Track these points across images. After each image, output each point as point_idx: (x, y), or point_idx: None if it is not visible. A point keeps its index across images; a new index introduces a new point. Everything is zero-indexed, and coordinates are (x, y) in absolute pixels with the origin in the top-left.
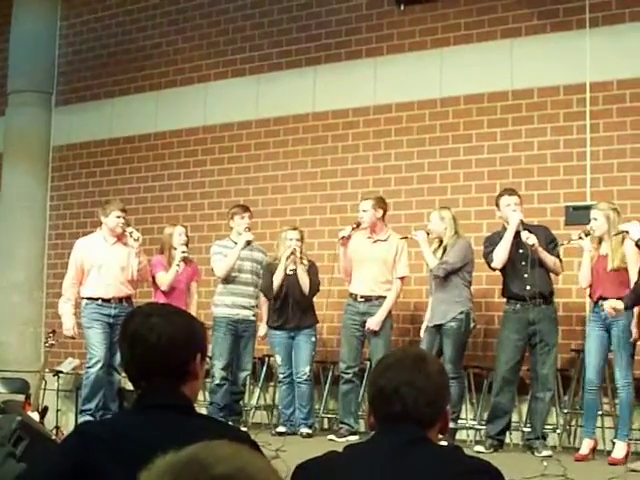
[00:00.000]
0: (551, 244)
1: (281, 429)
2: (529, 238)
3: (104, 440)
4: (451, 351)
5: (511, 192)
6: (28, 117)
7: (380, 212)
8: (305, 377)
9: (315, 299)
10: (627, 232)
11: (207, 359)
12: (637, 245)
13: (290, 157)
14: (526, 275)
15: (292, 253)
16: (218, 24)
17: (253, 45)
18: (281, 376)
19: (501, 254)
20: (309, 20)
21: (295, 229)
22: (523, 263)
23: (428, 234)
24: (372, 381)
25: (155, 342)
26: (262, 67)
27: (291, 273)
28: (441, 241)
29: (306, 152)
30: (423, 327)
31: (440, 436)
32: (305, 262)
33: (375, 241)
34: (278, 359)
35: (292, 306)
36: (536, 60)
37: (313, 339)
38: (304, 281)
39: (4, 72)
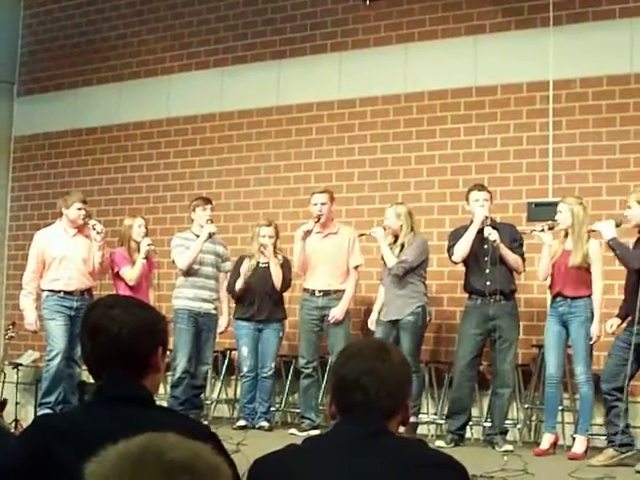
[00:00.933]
0: (515, 242)
1: (242, 423)
2: (491, 234)
3: (62, 433)
4: (409, 345)
5: (480, 187)
6: None
7: (333, 205)
8: (270, 373)
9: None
10: (599, 231)
11: (168, 352)
12: (608, 245)
13: (254, 150)
14: (487, 271)
15: (262, 249)
16: (183, 16)
17: (218, 38)
18: (245, 369)
19: (462, 249)
20: (274, 13)
21: (269, 225)
22: (485, 259)
23: (384, 229)
24: (334, 370)
25: (116, 333)
26: (226, 60)
27: (264, 266)
28: (396, 237)
29: (270, 146)
30: (373, 319)
31: (402, 428)
32: (280, 257)
33: (326, 235)
34: (244, 351)
35: (262, 298)
36: (500, 57)
37: (280, 334)
38: (277, 274)
39: None
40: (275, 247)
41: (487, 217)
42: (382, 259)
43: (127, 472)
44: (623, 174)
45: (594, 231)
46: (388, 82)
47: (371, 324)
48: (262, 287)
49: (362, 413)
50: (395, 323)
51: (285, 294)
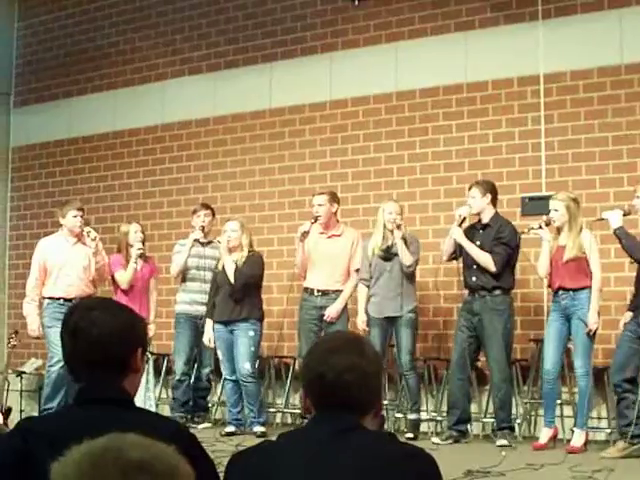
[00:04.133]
0: (495, 241)
1: (230, 429)
2: (454, 233)
3: (44, 435)
4: (409, 342)
5: (472, 184)
6: None
7: (335, 206)
8: (247, 375)
9: (275, 294)
10: (607, 220)
11: (168, 356)
12: (615, 234)
13: (248, 153)
14: (475, 267)
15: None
16: (174, 22)
17: (209, 43)
18: (225, 373)
19: (445, 246)
20: (265, 17)
21: (236, 220)
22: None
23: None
24: (310, 367)
25: (96, 336)
26: (219, 64)
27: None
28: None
29: (264, 148)
30: (364, 319)
31: (373, 420)
32: (244, 254)
33: (330, 236)
34: (220, 354)
35: (224, 298)
36: (490, 52)
37: (251, 333)
38: (229, 272)
39: None
40: (240, 244)
41: (460, 215)
42: (381, 257)
43: (86, 471)
44: (616, 166)
45: (602, 219)
46: (379, 81)
47: (363, 323)
48: (223, 286)
49: (340, 409)
50: (392, 320)
51: (283, 295)
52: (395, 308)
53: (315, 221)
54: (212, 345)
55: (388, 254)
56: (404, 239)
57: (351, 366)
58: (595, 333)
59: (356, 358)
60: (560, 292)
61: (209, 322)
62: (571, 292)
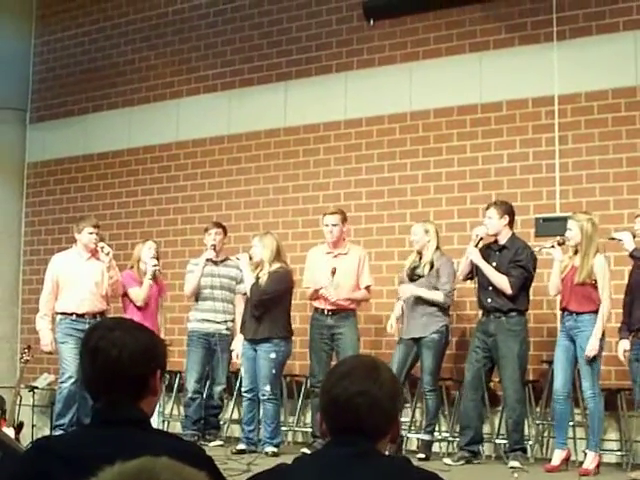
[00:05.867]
0: (512, 263)
1: (241, 446)
2: (471, 253)
3: (61, 455)
4: (431, 364)
5: (489, 205)
6: (3, 134)
7: (345, 226)
8: (267, 396)
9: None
10: (621, 240)
11: (180, 373)
12: (630, 256)
13: (262, 172)
14: (490, 288)
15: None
16: (190, 40)
17: (224, 61)
18: (243, 389)
19: (461, 265)
20: (280, 36)
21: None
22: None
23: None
24: (326, 390)
25: (116, 356)
26: (234, 83)
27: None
28: (420, 254)
29: (278, 167)
30: (391, 322)
31: (390, 445)
32: (265, 270)
33: (336, 255)
34: (242, 371)
35: (249, 316)
36: (504, 73)
37: (273, 355)
38: (247, 284)
39: None
40: (262, 259)
41: (477, 235)
42: (408, 277)
43: None
44: (630, 187)
45: (614, 239)
46: (394, 101)
47: (390, 328)
48: (249, 303)
49: (353, 434)
50: (417, 340)
51: (295, 314)
52: (419, 329)
53: (333, 273)
54: (238, 361)
55: (413, 275)
56: (430, 263)
57: (363, 390)
58: (599, 356)
59: (369, 382)
60: (565, 313)
61: (240, 337)
62: (574, 314)
